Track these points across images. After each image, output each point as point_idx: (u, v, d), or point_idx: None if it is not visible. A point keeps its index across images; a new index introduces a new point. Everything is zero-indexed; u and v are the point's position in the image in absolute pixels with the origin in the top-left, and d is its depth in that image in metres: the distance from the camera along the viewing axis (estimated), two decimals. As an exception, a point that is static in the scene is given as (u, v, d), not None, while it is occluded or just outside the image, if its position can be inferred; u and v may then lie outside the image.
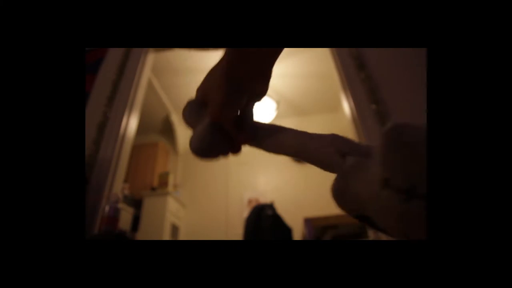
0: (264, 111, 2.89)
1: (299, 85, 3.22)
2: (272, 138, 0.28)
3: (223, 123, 0.26)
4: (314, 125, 3.62)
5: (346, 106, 1.34)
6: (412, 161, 0.18)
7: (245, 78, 0.25)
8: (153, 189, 3.15)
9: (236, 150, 0.29)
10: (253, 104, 0.29)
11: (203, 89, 0.28)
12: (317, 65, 2.93)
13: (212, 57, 2.74)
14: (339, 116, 3.43)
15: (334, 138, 0.27)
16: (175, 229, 3.08)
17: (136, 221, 2.91)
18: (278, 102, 2.99)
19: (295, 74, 3.07)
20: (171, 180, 3.26)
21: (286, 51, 2.81)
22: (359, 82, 1.28)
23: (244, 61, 0.25)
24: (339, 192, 0.23)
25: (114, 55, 1.61)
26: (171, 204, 3.07)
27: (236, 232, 2.95)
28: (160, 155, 3.54)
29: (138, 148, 3.17)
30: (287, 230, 1.38)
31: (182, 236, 3.20)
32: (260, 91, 0.28)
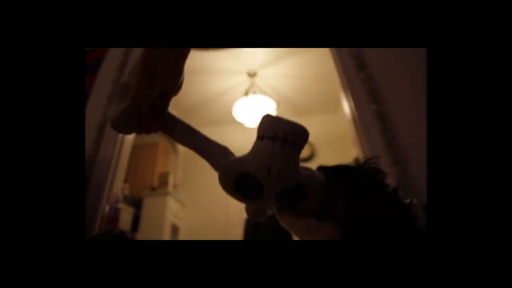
0: (264, 111, 2.89)
1: (299, 85, 3.22)
2: (182, 134, 0.35)
3: (139, 106, 0.32)
4: (314, 125, 3.63)
5: (346, 106, 1.34)
6: (274, 125, 0.29)
7: (158, 72, 0.31)
8: (153, 189, 3.15)
9: (147, 131, 0.35)
10: (169, 98, 0.35)
11: (129, 76, 0.34)
12: (317, 65, 2.93)
13: (212, 57, 2.74)
14: (339, 116, 3.44)
15: (226, 148, 0.35)
16: (175, 229, 3.08)
17: (136, 221, 2.91)
18: (278, 102, 3.00)
19: (295, 74, 3.07)
20: (171, 180, 3.26)
21: (286, 51, 2.79)
22: (359, 82, 1.28)
23: (157, 59, 0.31)
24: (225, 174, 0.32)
25: (114, 55, 1.60)
26: (171, 204, 3.07)
27: (236, 232, 2.95)
28: (160, 155, 3.54)
29: (138, 148, 3.17)
30: (286, 230, 1.37)
31: (182, 236, 3.20)
32: (172, 85, 0.34)
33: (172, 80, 0.33)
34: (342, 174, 0.36)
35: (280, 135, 0.28)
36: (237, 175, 0.31)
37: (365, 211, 0.32)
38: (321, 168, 0.37)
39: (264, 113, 0.31)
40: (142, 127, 0.35)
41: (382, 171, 0.36)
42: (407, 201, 0.34)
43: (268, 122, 0.29)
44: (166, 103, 0.35)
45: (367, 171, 0.36)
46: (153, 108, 0.33)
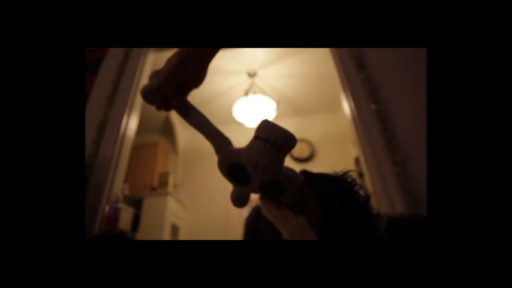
0: (265, 111, 2.89)
1: (299, 85, 3.22)
2: (194, 118, 0.42)
3: (164, 88, 0.40)
4: (314, 125, 3.62)
5: (346, 106, 1.34)
6: (268, 130, 0.35)
7: (186, 66, 0.40)
8: (153, 189, 3.15)
9: (167, 108, 0.42)
10: (190, 88, 0.43)
11: (164, 65, 0.41)
12: (317, 65, 2.93)
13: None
14: (339, 116, 3.43)
15: (228, 138, 0.41)
16: (175, 229, 3.08)
17: (136, 221, 2.90)
18: (278, 102, 2.99)
19: (295, 74, 3.07)
20: (171, 180, 3.25)
21: (286, 51, 2.79)
22: (359, 82, 1.28)
23: (188, 54, 0.39)
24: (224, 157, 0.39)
25: (114, 55, 1.61)
26: (171, 204, 3.07)
27: (236, 232, 2.94)
28: (160, 155, 3.54)
29: (138, 148, 3.16)
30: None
31: (182, 236, 3.19)
32: (195, 79, 0.42)
33: (195, 74, 0.41)
34: (318, 181, 0.42)
35: (271, 139, 0.34)
36: (232, 163, 0.38)
37: (334, 218, 0.38)
38: (303, 172, 0.43)
39: (264, 118, 0.38)
40: (164, 104, 0.42)
41: (357, 183, 0.42)
42: (375, 212, 0.40)
43: (264, 126, 0.36)
44: (187, 91, 0.43)
45: (342, 182, 0.42)
46: (175, 91, 0.41)
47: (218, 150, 0.40)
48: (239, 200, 0.43)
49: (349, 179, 0.42)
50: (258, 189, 0.39)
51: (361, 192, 0.41)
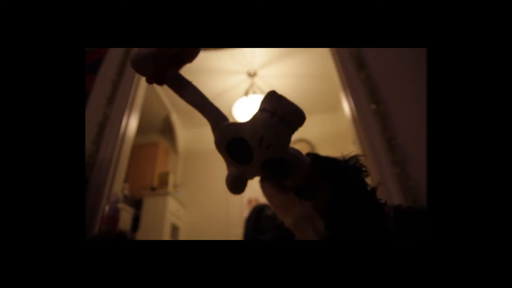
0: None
1: (299, 85, 3.22)
2: (188, 92, 0.39)
3: (157, 56, 0.37)
4: (314, 125, 3.62)
5: (346, 106, 1.34)
6: (276, 102, 0.32)
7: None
8: (153, 189, 3.15)
9: (160, 80, 0.39)
10: (184, 61, 0.40)
11: None
12: (317, 65, 2.93)
13: (212, 57, 2.74)
14: (339, 116, 3.43)
15: (224, 115, 0.38)
16: (175, 229, 3.08)
17: (136, 221, 2.90)
18: (278, 102, 2.99)
19: (295, 74, 3.07)
20: (171, 180, 3.25)
21: (286, 51, 2.79)
22: (359, 82, 1.28)
23: None
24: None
25: (114, 55, 1.60)
26: (171, 204, 3.07)
27: (236, 232, 2.95)
28: (160, 155, 3.54)
29: (138, 148, 3.16)
30: (287, 230, 1.37)
31: (182, 236, 3.19)
32: (188, 53, 0.40)
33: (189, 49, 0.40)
34: (328, 164, 0.38)
35: (279, 112, 0.31)
36: (231, 138, 0.34)
37: (344, 205, 0.35)
38: (309, 154, 0.39)
39: (271, 90, 0.34)
40: (155, 74, 0.38)
41: (366, 169, 0.39)
42: (383, 201, 0.37)
43: (271, 98, 0.32)
44: (179, 64, 0.40)
45: (351, 167, 0.38)
46: (169, 60, 0.38)
47: (214, 126, 0.36)
48: (235, 184, 0.38)
49: (358, 165, 0.38)
50: (259, 169, 0.34)
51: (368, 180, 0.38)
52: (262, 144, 0.32)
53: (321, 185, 0.36)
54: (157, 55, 0.37)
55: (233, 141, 0.34)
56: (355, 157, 0.39)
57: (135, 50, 0.38)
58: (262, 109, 0.32)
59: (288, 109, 0.31)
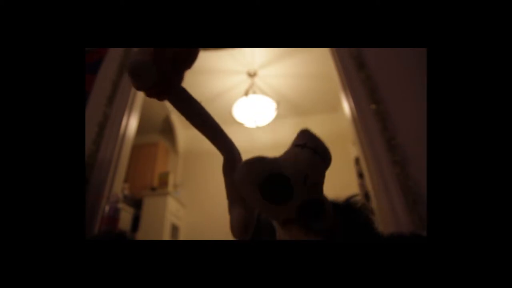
0: (264, 111, 2.89)
1: (299, 85, 3.22)
2: (192, 110, 0.35)
3: (157, 63, 0.32)
4: (314, 125, 3.61)
5: (346, 106, 1.34)
6: (313, 140, 0.32)
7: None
8: (153, 189, 3.15)
9: (163, 92, 0.34)
10: (182, 68, 0.36)
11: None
12: (317, 65, 2.93)
13: (212, 57, 2.74)
14: (339, 116, 3.43)
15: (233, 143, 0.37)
16: (175, 229, 3.08)
17: (136, 221, 2.90)
18: (278, 102, 2.99)
19: (295, 74, 3.06)
20: (171, 180, 3.25)
21: (286, 51, 2.78)
22: (359, 82, 1.28)
23: None
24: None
25: (114, 55, 1.60)
26: (171, 204, 3.07)
27: (236, 232, 2.94)
28: (160, 155, 3.54)
29: (138, 148, 3.16)
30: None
31: (182, 236, 3.19)
32: (186, 56, 0.36)
33: (188, 58, 0.36)
34: (341, 207, 0.37)
35: (320, 150, 0.31)
36: (267, 175, 0.29)
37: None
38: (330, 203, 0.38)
39: (304, 128, 0.34)
40: (158, 84, 0.33)
41: (371, 209, 0.39)
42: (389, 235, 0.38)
43: (309, 135, 0.32)
44: (181, 68, 0.36)
45: (359, 208, 0.37)
46: (172, 65, 0.33)
47: (230, 158, 0.33)
48: (248, 227, 0.33)
49: (363, 206, 0.37)
50: (294, 211, 0.30)
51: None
52: (307, 183, 0.29)
53: (337, 230, 0.34)
54: (156, 59, 0.31)
55: (269, 178, 0.29)
56: (356, 198, 0.38)
57: (130, 59, 0.33)
58: (303, 144, 0.31)
59: (324, 148, 0.31)
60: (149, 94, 0.34)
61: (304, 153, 0.30)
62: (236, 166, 0.34)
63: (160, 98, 0.34)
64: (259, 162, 0.30)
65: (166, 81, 0.33)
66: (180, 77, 0.36)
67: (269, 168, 0.30)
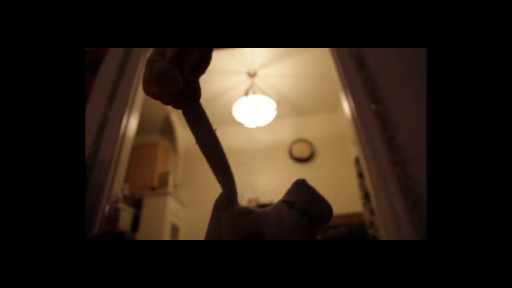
0: (264, 111, 2.89)
1: (299, 85, 3.22)
2: (204, 136, 0.33)
3: (180, 63, 0.30)
4: (314, 125, 3.62)
5: (346, 106, 1.34)
6: (306, 196, 0.29)
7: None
8: (153, 189, 3.15)
9: (182, 98, 0.33)
10: (198, 72, 0.35)
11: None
12: (317, 65, 2.93)
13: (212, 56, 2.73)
14: (339, 116, 3.43)
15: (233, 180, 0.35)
16: (175, 229, 3.08)
17: (136, 221, 2.90)
18: (278, 102, 2.99)
19: (295, 74, 3.07)
20: (171, 180, 3.25)
21: (286, 51, 2.78)
22: (359, 82, 1.28)
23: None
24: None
25: (114, 55, 1.60)
26: (171, 204, 3.07)
27: (236, 232, 2.94)
28: (160, 155, 3.54)
29: (138, 148, 3.16)
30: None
31: (182, 236, 3.20)
32: (202, 58, 0.35)
33: (201, 59, 0.35)
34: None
35: (311, 212, 0.28)
36: (249, 232, 0.30)
37: None
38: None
39: (301, 179, 0.31)
40: (185, 89, 0.32)
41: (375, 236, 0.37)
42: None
43: (303, 191, 0.29)
44: (197, 73, 0.35)
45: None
46: (191, 69, 0.32)
47: (225, 197, 0.32)
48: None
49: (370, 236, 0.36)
50: None
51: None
52: None
53: None
54: (178, 62, 0.30)
55: (250, 236, 0.30)
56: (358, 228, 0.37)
57: (153, 67, 0.30)
58: (291, 203, 0.29)
59: (320, 208, 0.28)
60: (169, 101, 0.32)
61: (290, 215, 0.28)
62: (231, 205, 0.34)
63: (179, 106, 0.33)
64: (243, 217, 0.31)
65: (190, 87, 0.33)
66: (198, 83, 0.35)
67: (253, 226, 0.30)
